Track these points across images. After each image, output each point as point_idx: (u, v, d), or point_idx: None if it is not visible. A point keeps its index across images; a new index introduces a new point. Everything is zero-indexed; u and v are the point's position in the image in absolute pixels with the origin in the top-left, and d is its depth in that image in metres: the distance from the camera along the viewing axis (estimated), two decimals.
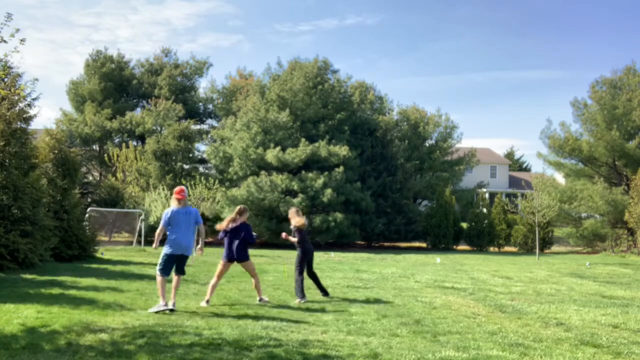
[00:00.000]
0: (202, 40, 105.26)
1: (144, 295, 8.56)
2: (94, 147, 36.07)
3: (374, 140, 28.58)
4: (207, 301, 7.95)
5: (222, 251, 8.44)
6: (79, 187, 19.69)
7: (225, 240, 8.31)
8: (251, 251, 9.02)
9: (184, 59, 41.98)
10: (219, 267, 8.35)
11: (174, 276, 7.58)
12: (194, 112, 35.86)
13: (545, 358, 5.53)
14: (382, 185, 27.64)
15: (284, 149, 25.38)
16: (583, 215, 29.12)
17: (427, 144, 31.23)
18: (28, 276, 10.48)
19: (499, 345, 5.99)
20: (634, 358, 5.71)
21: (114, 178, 28.19)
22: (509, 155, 62.57)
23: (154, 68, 37.56)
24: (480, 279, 12.83)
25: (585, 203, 26.80)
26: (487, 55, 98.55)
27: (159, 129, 32.20)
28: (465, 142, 64.10)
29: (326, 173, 24.91)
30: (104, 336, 5.76)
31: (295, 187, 24.58)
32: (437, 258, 19.53)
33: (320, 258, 17.82)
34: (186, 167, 28.39)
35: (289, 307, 8.00)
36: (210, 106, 37.24)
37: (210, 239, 27.76)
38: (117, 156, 29.37)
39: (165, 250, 7.50)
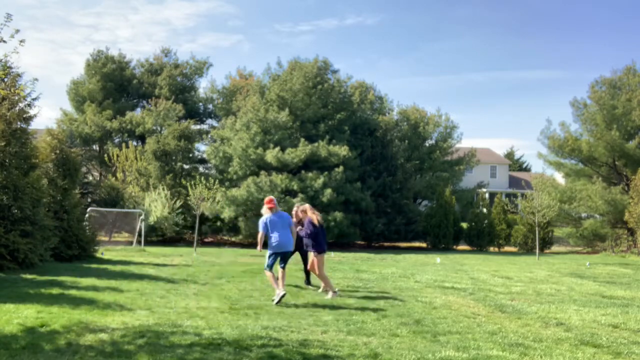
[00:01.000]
0: (202, 40, 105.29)
1: (144, 295, 8.56)
2: (94, 147, 36.04)
3: (374, 140, 28.57)
4: (334, 291, 9.31)
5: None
6: (79, 187, 19.69)
7: (319, 235, 9.56)
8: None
9: (184, 59, 42.00)
10: (317, 261, 9.54)
11: (279, 269, 8.83)
12: (194, 112, 35.84)
13: (545, 358, 5.54)
14: (382, 185, 27.63)
15: (283, 149, 25.37)
16: (583, 215, 29.11)
17: (427, 144, 31.23)
18: (28, 276, 10.48)
19: (499, 345, 5.99)
20: (634, 358, 5.71)
21: (114, 178, 28.18)
22: (509, 155, 62.58)
23: (154, 68, 37.53)
24: (480, 279, 12.83)
25: (585, 203, 26.79)
26: (487, 55, 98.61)
27: (159, 129, 32.19)
28: (465, 142, 64.18)
29: (326, 173, 24.90)
30: (104, 336, 5.76)
31: (295, 187, 24.58)
32: (437, 258, 19.53)
33: None
34: (186, 167, 28.39)
35: (289, 307, 8.00)
36: (210, 106, 37.21)
37: (210, 239, 27.81)
38: (117, 156, 29.36)
39: (270, 250, 8.88)
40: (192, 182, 20.72)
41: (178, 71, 36.90)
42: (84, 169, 26.83)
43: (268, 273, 8.82)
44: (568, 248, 29.40)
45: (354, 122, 27.96)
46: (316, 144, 25.40)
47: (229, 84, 35.70)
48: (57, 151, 14.82)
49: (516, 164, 61.95)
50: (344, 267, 15.06)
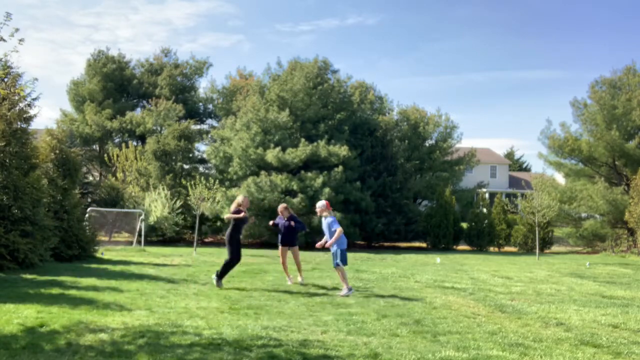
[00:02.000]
0: (202, 40, 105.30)
1: (144, 295, 8.56)
2: (94, 147, 36.05)
3: (373, 140, 28.57)
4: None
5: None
6: (79, 187, 19.68)
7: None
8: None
9: (184, 59, 41.96)
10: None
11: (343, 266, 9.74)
12: (194, 112, 35.85)
13: (545, 358, 5.54)
14: (382, 185, 27.63)
15: (283, 149, 25.37)
16: (583, 215, 29.11)
17: (427, 144, 31.21)
18: (28, 276, 10.47)
19: (499, 345, 5.99)
20: (634, 358, 5.71)
21: (114, 178, 28.18)
22: (509, 155, 62.59)
23: (154, 68, 37.54)
24: (480, 279, 12.83)
25: (585, 203, 26.79)
26: (487, 55, 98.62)
27: (159, 129, 32.18)
28: (465, 142, 64.14)
29: (325, 173, 24.90)
30: (104, 336, 5.76)
31: (295, 187, 24.58)
32: (437, 258, 19.52)
33: (320, 258, 17.81)
34: (186, 167, 28.38)
35: (289, 307, 8.00)
36: (210, 106, 37.22)
37: (210, 239, 27.80)
38: (117, 156, 29.36)
39: (342, 247, 9.68)
40: (192, 182, 20.72)
41: (178, 71, 36.91)
42: (84, 169, 26.81)
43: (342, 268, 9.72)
44: (568, 248, 29.40)
45: (354, 122, 27.96)
46: (316, 144, 25.40)
47: (229, 84, 35.72)
48: (57, 151, 14.81)
49: (516, 164, 61.96)
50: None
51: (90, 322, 6.40)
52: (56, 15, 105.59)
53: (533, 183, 29.80)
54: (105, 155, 32.07)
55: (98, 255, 15.71)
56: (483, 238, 27.60)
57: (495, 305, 8.78)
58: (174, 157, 27.52)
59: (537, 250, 23.06)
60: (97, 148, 36.01)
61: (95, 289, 9.11)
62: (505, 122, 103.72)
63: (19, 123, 12.60)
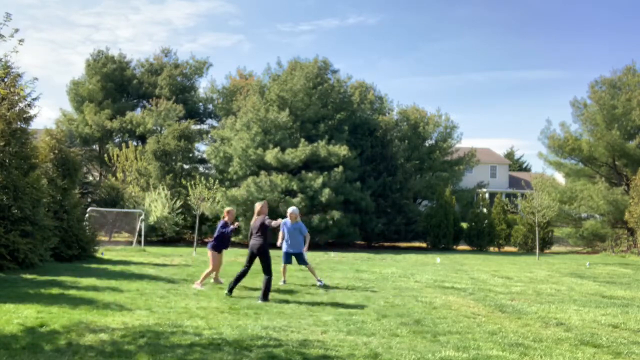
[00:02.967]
0: (202, 40, 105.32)
1: (144, 295, 8.56)
2: (94, 147, 36.03)
3: (373, 140, 28.56)
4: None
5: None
6: (79, 187, 19.67)
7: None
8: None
9: (184, 59, 42.00)
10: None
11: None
12: (194, 112, 35.84)
13: (545, 358, 5.54)
14: (382, 185, 27.63)
15: (283, 149, 25.37)
16: (583, 215, 29.10)
17: (427, 144, 31.20)
18: (28, 276, 10.47)
19: (499, 345, 5.99)
20: (634, 358, 5.71)
21: (114, 178, 28.17)
22: (509, 155, 62.57)
23: (154, 68, 37.53)
24: (480, 279, 12.83)
25: (585, 203, 26.78)
26: (487, 55, 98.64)
27: (159, 129, 32.17)
28: (465, 142, 64.20)
29: (325, 173, 24.89)
30: (104, 336, 5.76)
31: (295, 187, 24.58)
32: (437, 258, 19.52)
33: (320, 258, 17.82)
34: (186, 167, 28.37)
35: (289, 307, 7.99)
36: (210, 106, 37.21)
37: (210, 239, 27.80)
38: (117, 156, 29.35)
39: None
40: (192, 182, 20.72)
41: (178, 71, 36.90)
42: (84, 169, 26.82)
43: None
44: (568, 248, 29.40)
45: (353, 122, 27.96)
46: (316, 144, 25.39)
47: (229, 84, 35.71)
48: (56, 151, 14.81)
49: (516, 164, 61.94)
50: (343, 267, 15.06)
51: (90, 322, 6.40)
52: (56, 15, 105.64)
53: (533, 183, 29.80)
54: (105, 155, 32.06)
55: (98, 255, 15.71)
56: (483, 238, 27.59)
57: (495, 305, 8.78)
58: (174, 157, 27.51)
59: (537, 250, 23.06)
60: (97, 148, 35.99)
61: (95, 289, 9.11)
62: (505, 122, 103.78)
63: (18, 123, 12.60)
